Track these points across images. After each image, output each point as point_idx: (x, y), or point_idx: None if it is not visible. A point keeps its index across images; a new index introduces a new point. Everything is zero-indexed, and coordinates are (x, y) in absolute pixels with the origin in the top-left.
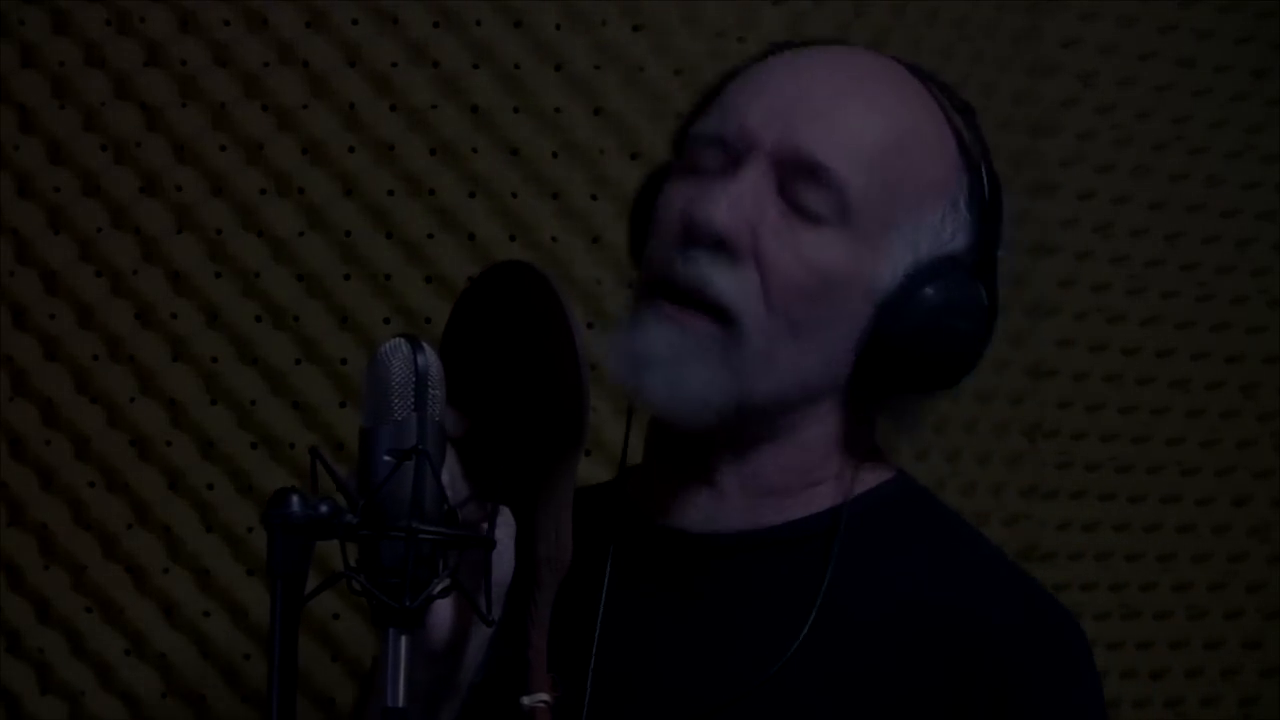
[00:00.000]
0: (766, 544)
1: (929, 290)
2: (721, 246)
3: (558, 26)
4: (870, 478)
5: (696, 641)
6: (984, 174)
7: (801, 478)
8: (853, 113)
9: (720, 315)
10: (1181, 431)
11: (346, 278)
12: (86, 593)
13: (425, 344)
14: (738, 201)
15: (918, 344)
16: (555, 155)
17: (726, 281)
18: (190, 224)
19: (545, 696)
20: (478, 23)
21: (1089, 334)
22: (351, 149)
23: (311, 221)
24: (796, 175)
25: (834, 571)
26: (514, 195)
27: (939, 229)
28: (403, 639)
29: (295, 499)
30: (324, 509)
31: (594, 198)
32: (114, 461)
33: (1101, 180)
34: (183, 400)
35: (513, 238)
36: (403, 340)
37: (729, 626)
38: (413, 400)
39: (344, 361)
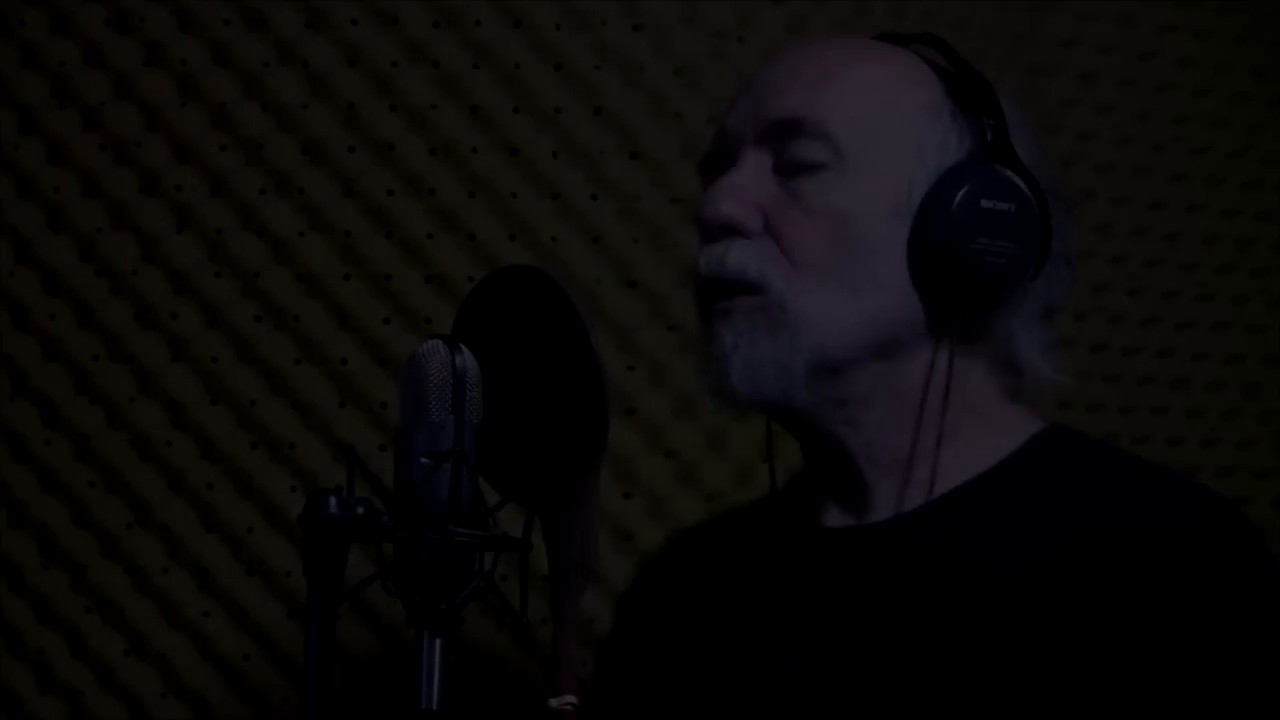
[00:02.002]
0: (918, 527)
1: (948, 190)
2: (732, 231)
3: (558, 26)
4: (1015, 430)
5: (896, 639)
6: (965, 79)
7: (929, 450)
8: (814, 68)
9: (751, 288)
10: (1181, 431)
11: (346, 278)
12: (86, 593)
13: (463, 346)
14: (735, 189)
15: (960, 244)
16: (555, 155)
17: (742, 255)
18: (190, 224)
19: (573, 699)
20: (478, 23)
21: (1089, 334)
22: (351, 149)
23: (311, 221)
24: (782, 141)
25: (982, 547)
26: (514, 195)
27: (942, 142)
28: (437, 641)
29: (333, 500)
30: (361, 510)
31: (594, 198)
32: (114, 461)
33: (1101, 180)
34: (183, 400)
35: (513, 238)
36: (440, 342)
37: (921, 618)
38: (450, 402)
39: (344, 361)
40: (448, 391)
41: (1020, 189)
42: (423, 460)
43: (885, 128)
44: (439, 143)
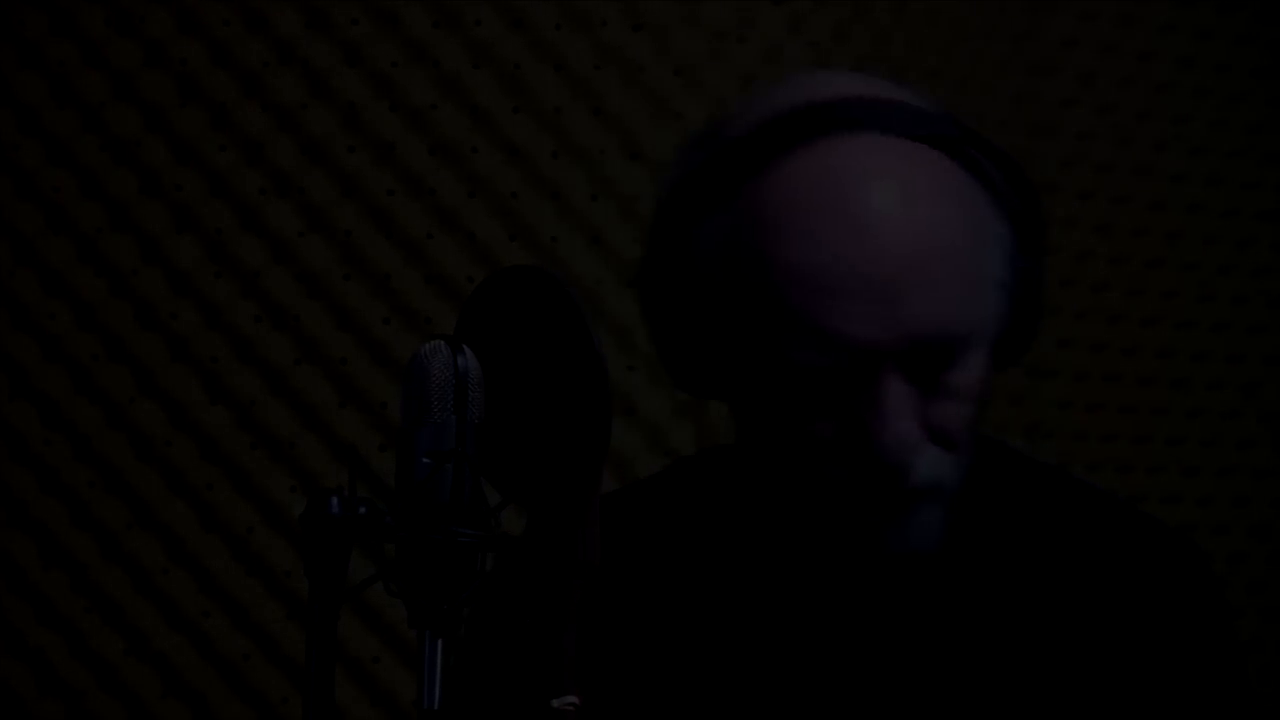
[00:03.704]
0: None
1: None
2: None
3: (558, 26)
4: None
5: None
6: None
7: None
8: (932, 255)
9: (932, 495)
10: (1181, 431)
11: (346, 278)
12: (86, 593)
13: (465, 346)
14: (909, 410)
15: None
16: (555, 155)
17: (934, 466)
18: (190, 224)
19: (574, 699)
20: (478, 23)
21: (1089, 334)
22: (351, 149)
23: (311, 221)
24: (923, 361)
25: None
26: (514, 195)
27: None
28: (439, 641)
29: (334, 500)
30: (362, 510)
31: (594, 198)
32: (114, 461)
33: (1101, 180)
34: (183, 400)
35: (513, 238)
36: (442, 342)
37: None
38: (452, 402)
39: (344, 361)
40: (450, 392)
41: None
42: (425, 460)
43: (980, 281)
44: (439, 143)
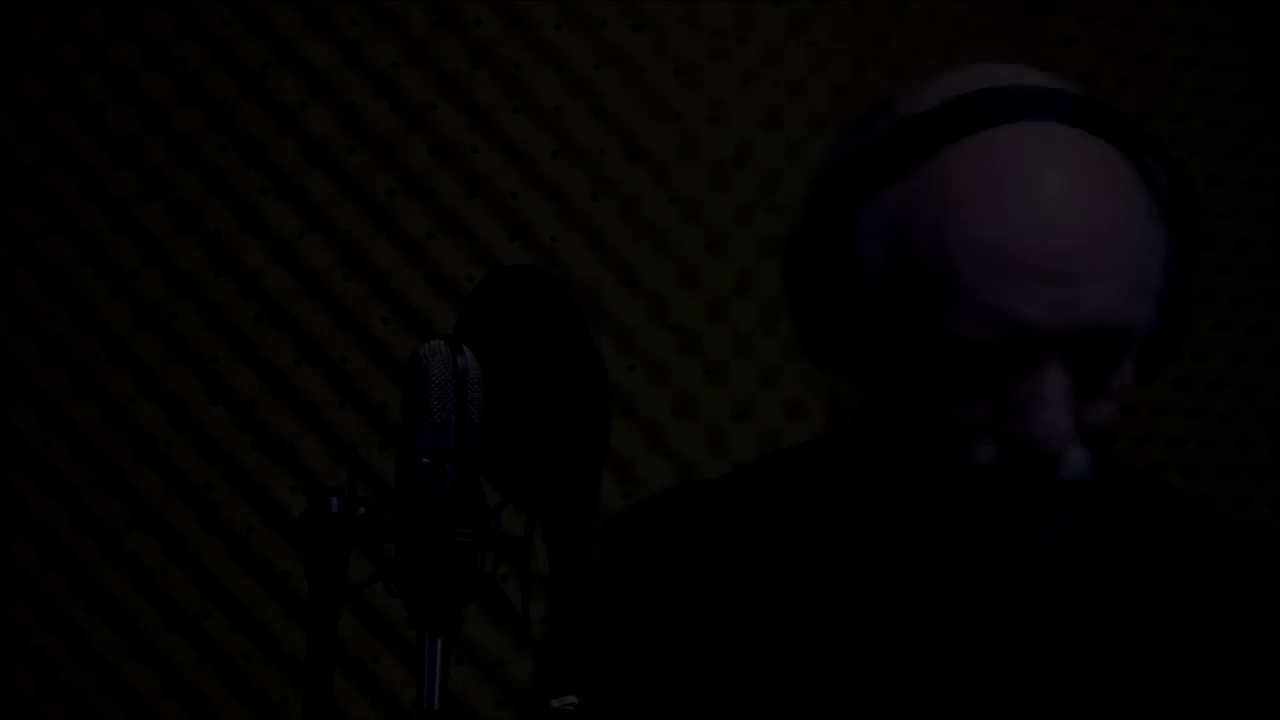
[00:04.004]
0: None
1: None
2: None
3: (558, 26)
4: None
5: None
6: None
7: None
8: (1107, 245)
9: (1074, 492)
10: (1181, 431)
11: (346, 278)
12: (86, 593)
13: (465, 346)
14: (1068, 404)
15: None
16: (555, 155)
17: (1079, 461)
18: (190, 224)
19: (573, 699)
20: (478, 23)
21: None
22: (351, 149)
23: (311, 221)
24: (1096, 348)
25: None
26: (514, 195)
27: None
28: (439, 641)
29: (334, 500)
30: (362, 510)
31: (594, 198)
32: (114, 461)
33: None
34: (183, 400)
35: (513, 238)
36: (441, 342)
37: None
38: (452, 402)
39: (344, 361)
40: (449, 391)
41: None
42: (424, 460)
43: (1143, 277)
44: (439, 143)
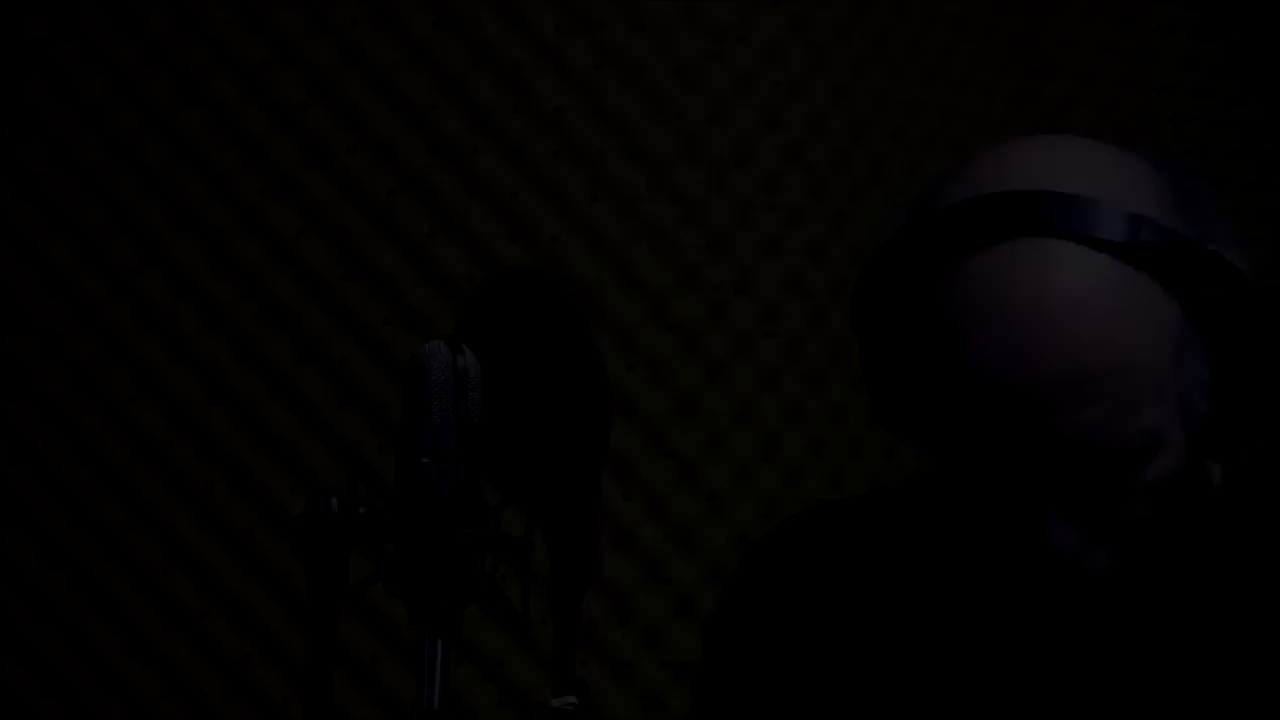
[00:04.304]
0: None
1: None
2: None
3: (558, 27)
4: None
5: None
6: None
7: None
8: (1084, 389)
9: (1109, 577)
10: None
11: (346, 278)
12: (86, 593)
13: (465, 346)
14: (1064, 538)
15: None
16: (555, 155)
17: (1101, 563)
18: (190, 224)
19: (573, 699)
20: (478, 23)
21: None
22: (351, 149)
23: (311, 221)
24: (1095, 474)
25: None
26: (514, 195)
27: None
28: (439, 641)
29: (334, 500)
30: (362, 510)
31: (594, 198)
32: (114, 461)
33: None
34: (183, 400)
35: (513, 238)
36: (441, 342)
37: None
38: (452, 402)
39: (344, 361)
40: (449, 391)
41: None
42: (424, 460)
43: (1155, 364)
44: (439, 143)
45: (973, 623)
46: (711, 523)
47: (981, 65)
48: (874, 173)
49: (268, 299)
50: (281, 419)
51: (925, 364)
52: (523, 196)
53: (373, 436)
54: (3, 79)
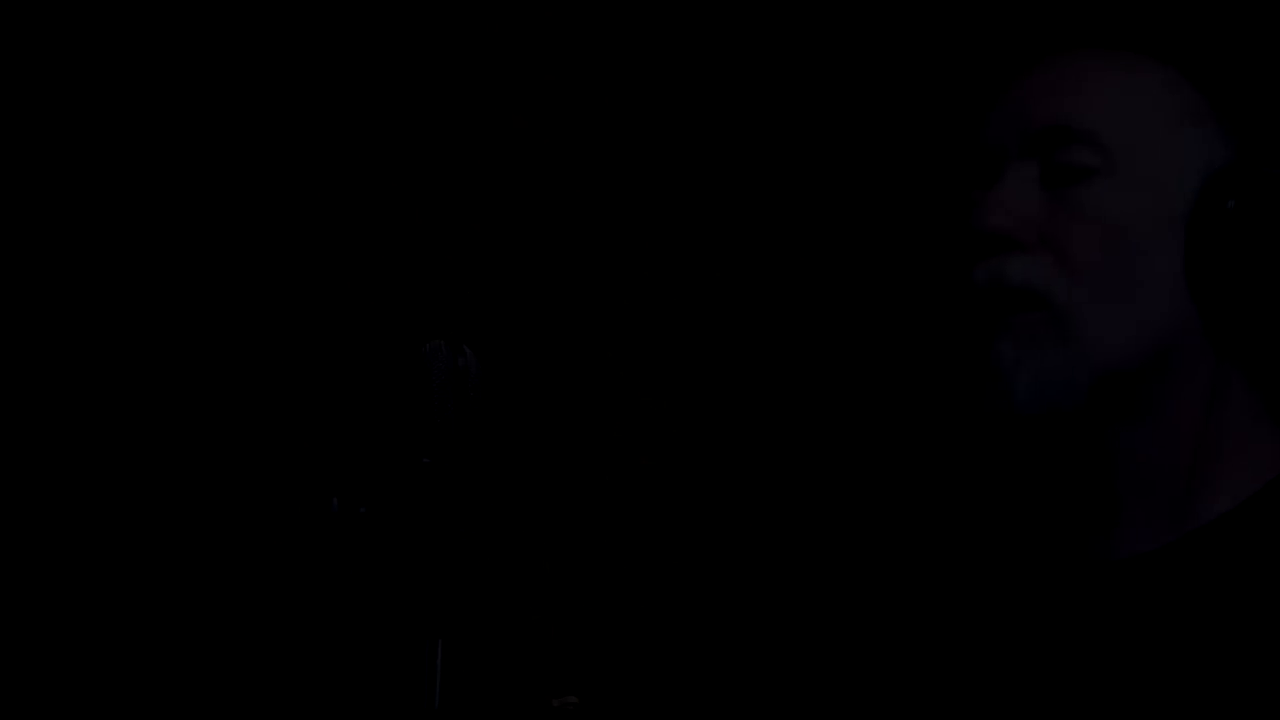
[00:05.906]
0: (1183, 558)
1: (1222, 196)
2: (1006, 244)
3: (557, 26)
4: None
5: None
6: (1226, 84)
7: (1187, 470)
8: (1075, 75)
9: (1033, 302)
10: None
11: (346, 278)
12: (86, 593)
13: (465, 346)
14: (1007, 201)
15: (1239, 253)
16: (555, 155)
17: (1020, 268)
18: (190, 224)
19: (573, 698)
20: (481, 22)
21: None
22: (357, 148)
23: (319, 221)
24: (1049, 150)
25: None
26: (514, 195)
27: (1210, 149)
28: (439, 641)
29: (336, 502)
30: (362, 510)
31: (591, 192)
32: (114, 461)
33: None
34: (183, 400)
35: (513, 238)
36: (442, 343)
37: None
38: (452, 402)
39: (343, 362)
40: (449, 392)
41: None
42: (425, 461)
43: (1152, 132)
44: (442, 142)
45: (993, 612)
46: None
47: None
48: None
49: (270, 300)
50: (282, 419)
51: None
52: (523, 196)
53: (372, 437)
54: (2, 79)
